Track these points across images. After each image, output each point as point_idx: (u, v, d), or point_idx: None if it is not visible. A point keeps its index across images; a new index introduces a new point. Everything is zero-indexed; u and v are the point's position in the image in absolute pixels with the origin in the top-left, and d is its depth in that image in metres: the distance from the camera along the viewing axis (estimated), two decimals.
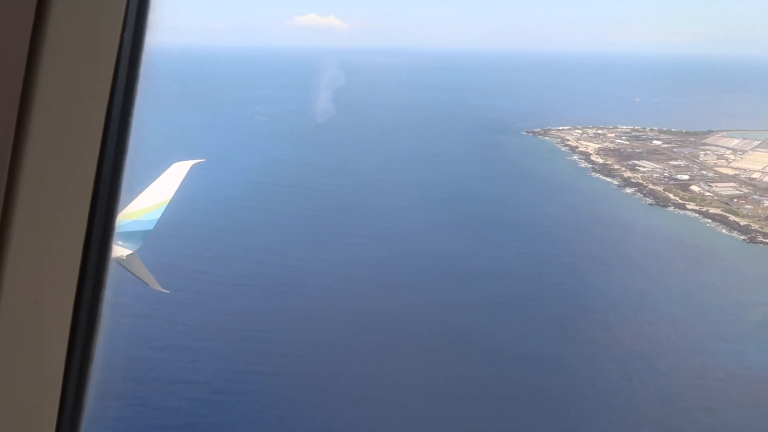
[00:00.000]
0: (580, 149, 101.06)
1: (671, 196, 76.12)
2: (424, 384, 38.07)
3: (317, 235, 60.29)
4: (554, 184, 78.48)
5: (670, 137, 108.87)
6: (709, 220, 68.26)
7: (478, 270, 52.56)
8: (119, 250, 23.31)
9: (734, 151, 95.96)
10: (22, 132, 1.74)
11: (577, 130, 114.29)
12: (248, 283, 49.67)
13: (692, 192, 76.95)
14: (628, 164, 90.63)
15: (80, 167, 1.97)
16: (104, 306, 2.25)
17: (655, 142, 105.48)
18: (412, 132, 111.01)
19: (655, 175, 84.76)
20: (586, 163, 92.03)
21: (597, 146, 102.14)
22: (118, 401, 33.34)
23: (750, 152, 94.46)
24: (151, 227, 26.10)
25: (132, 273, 23.82)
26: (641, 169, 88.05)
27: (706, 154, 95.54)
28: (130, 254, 23.76)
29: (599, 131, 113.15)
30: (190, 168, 28.43)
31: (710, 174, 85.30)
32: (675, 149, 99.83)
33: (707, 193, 76.41)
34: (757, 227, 65.64)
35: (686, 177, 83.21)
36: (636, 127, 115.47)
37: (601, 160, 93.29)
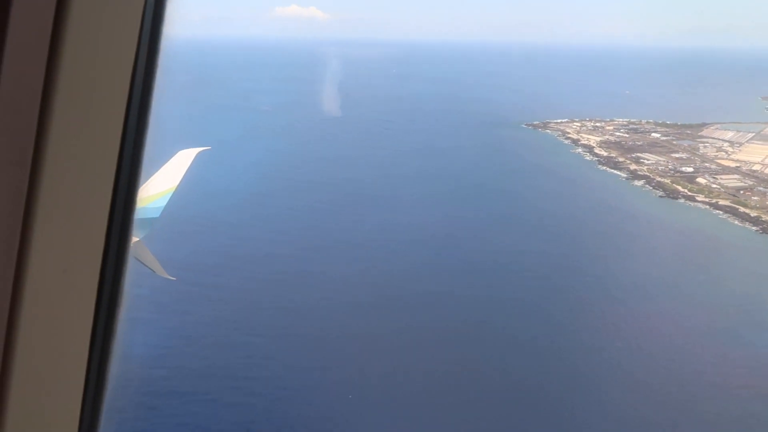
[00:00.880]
0: (582, 142, 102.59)
1: (680, 188, 77.89)
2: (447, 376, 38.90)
3: (338, 225, 60.88)
4: (564, 177, 79.74)
5: (667, 129, 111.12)
6: (720, 212, 70.09)
7: (510, 263, 53.54)
8: None
9: (731, 143, 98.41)
10: (45, 120, 1.78)
11: (575, 123, 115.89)
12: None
13: (699, 184, 78.83)
14: (632, 157, 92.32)
15: (102, 155, 2.01)
16: (125, 283, 2.30)
17: (653, 134, 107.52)
18: (414, 126, 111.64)
19: (660, 168, 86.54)
20: (591, 156, 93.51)
21: (598, 139, 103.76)
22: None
23: (746, 144, 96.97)
24: (157, 215, 26.16)
25: (139, 260, 23.85)
26: (645, 161, 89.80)
27: (705, 147, 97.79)
28: (137, 241, 23.75)
29: (597, 124, 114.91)
30: (196, 155, 28.54)
31: (713, 166, 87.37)
32: (674, 141, 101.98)
33: (714, 185, 78.34)
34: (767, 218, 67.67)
35: (690, 169, 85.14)
36: (632, 120, 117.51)
37: (605, 153, 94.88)
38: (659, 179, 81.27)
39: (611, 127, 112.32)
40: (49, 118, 1.75)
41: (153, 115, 2.23)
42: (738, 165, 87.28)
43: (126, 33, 1.95)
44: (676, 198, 75.06)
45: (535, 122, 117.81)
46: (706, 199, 73.94)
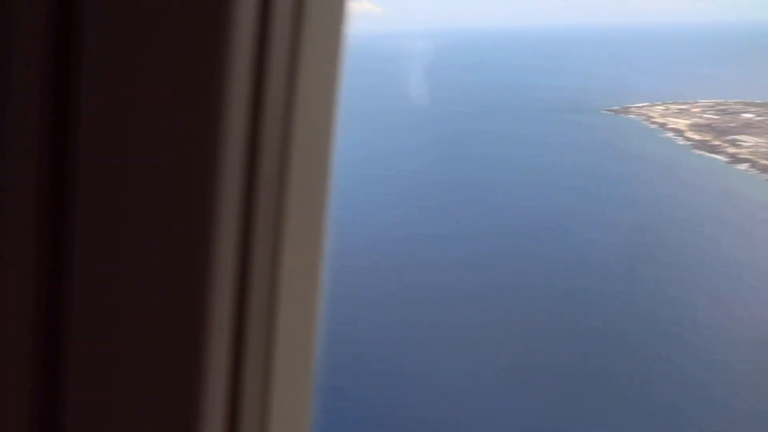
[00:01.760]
0: (669, 126, 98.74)
1: None
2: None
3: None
4: (662, 163, 76.94)
5: (759, 109, 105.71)
6: None
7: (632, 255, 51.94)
8: None
9: None
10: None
11: (658, 107, 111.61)
12: None
13: None
14: (728, 139, 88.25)
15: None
16: None
17: (744, 115, 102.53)
18: (490, 115, 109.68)
19: (761, 150, 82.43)
20: (684, 140, 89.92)
21: (687, 122, 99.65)
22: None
23: None
24: None
25: None
26: (744, 143, 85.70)
27: None
28: None
29: (682, 107, 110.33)
30: None
31: None
32: None
33: None
34: None
35: None
36: (719, 101, 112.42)
37: (698, 137, 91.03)
38: (764, 162, 77.41)
39: (697, 110, 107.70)
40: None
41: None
42: None
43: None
44: None
45: (614, 107, 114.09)
46: None
